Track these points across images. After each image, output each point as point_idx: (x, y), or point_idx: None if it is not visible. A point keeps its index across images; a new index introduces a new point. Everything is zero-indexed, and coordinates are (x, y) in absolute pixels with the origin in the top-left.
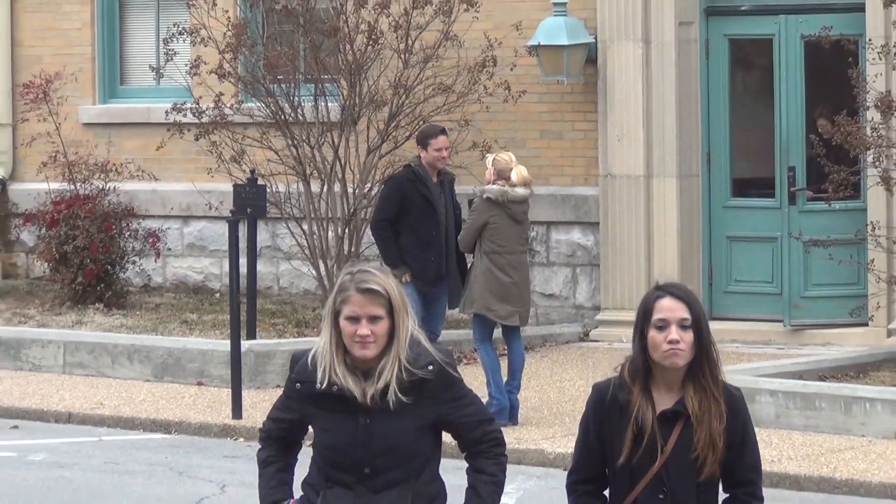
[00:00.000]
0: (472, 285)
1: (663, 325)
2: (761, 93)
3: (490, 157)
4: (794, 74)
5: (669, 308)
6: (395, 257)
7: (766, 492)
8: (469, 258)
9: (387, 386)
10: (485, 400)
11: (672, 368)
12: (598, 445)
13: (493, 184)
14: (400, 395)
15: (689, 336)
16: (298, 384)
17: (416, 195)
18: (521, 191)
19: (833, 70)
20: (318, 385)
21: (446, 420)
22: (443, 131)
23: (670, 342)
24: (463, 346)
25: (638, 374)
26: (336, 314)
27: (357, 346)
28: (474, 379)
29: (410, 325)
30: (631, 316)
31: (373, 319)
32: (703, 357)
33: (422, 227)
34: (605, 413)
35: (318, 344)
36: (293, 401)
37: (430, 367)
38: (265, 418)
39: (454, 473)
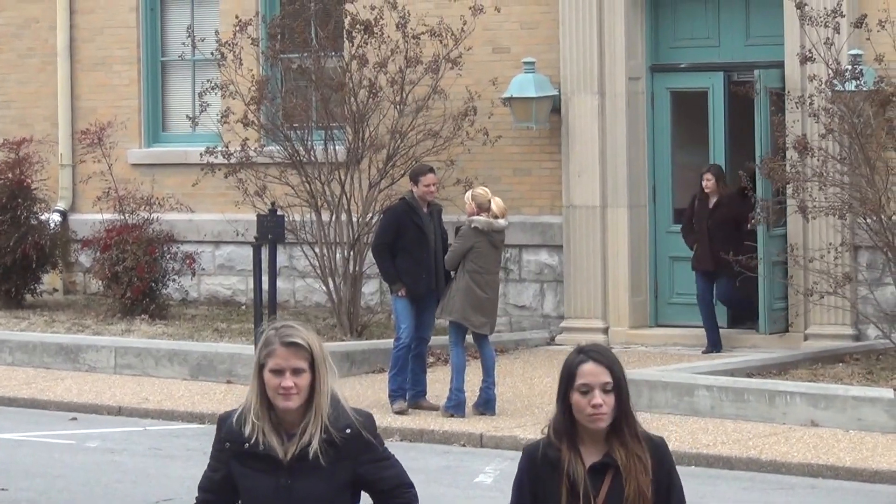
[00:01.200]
0: (453, 297)
1: (587, 390)
2: (697, 136)
3: (469, 193)
4: (720, 121)
5: (592, 373)
6: (393, 275)
7: (703, 471)
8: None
9: (308, 444)
10: (446, 395)
11: (596, 430)
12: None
13: (477, 215)
14: (320, 455)
15: (610, 399)
16: (227, 443)
17: (410, 223)
18: (502, 222)
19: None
20: (246, 444)
21: (364, 480)
22: (431, 170)
23: (594, 406)
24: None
25: (565, 433)
26: (261, 367)
27: (280, 398)
28: (446, 376)
29: (331, 381)
30: (589, 323)
31: (296, 372)
32: (623, 418)
33: (415, 250)
34: (536, 471)
35: (245, 401)
36: (221, 462)
37: (348, 431)
38: (196, 494)
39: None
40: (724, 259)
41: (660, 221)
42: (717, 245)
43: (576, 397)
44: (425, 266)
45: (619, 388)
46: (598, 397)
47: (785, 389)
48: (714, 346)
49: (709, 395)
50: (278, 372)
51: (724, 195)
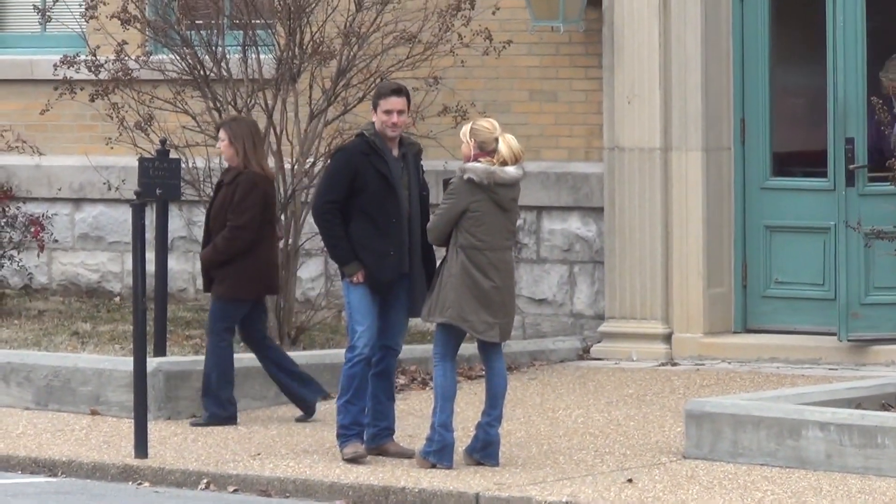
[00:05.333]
0: (442, 287)
1: None
2: (811, 46)
3: (467, 127)
4: (852, 22)
5: None
6: (345, 251)
7: None
8: (439, 253)
9: None
10: (425, 434)
11: None
12: None
13: (476, 160)
14: None
15: None
16: None
17: (371, 171)
18: (512, 171)
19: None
20: None
21: None
22: (397, 91)
23: None
24: (429, 364)
25: None
26: None
27: None
28: (425, 405)
29: None
30: (643, 327)
31: None
32: None
33: (378, 213)
34: None
35: None
36: None
37: None
38: None
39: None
40: None
41: (752, 172)
42: None
43: None
44: (394, 237)
45: None
46: None
47: None
48: None
49: (823, 436)
50: None
51: None
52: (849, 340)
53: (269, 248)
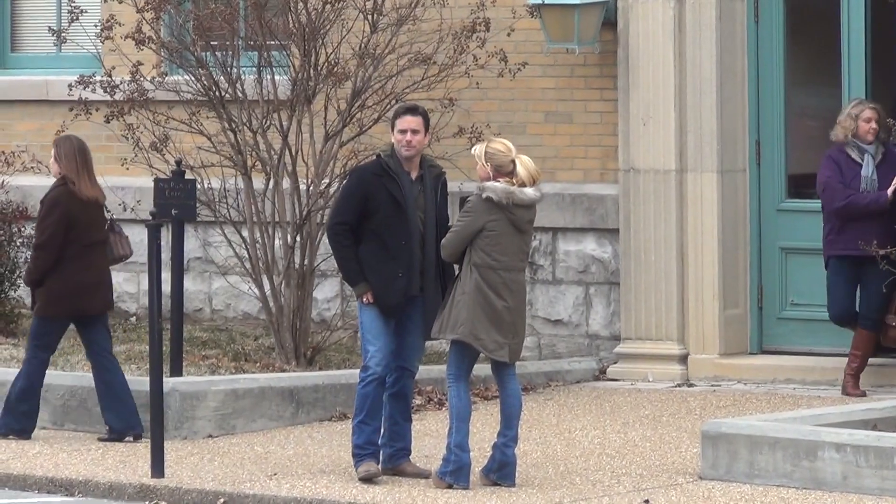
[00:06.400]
0: (455, 305)
1: None
2: (826, 68)
3: (480, 147)
4: (858, 43)
5: None
6: (354, 272)
7: None
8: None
9: None
10: (441, 455)
11: None
12: None
13: (493, 180)
14: None
15: None
16: None
17: (383, 193)
18: (530, 192)
19: None
20: None
21: None
22: (412, 109)
23: None
24: (445, 384)
25: None
26: None
27: None
28: (441, 426)
29: None
30: (659, 348)
31: None
32: None
33: (389, 235)
34: None
35: None
36: None
37: None
38: None
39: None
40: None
41: (767, 194)
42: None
43: None
44: (404, 259)
45: None
46: None
47: None
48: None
49: (840, 458)
50: None
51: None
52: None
53: (79, 268)
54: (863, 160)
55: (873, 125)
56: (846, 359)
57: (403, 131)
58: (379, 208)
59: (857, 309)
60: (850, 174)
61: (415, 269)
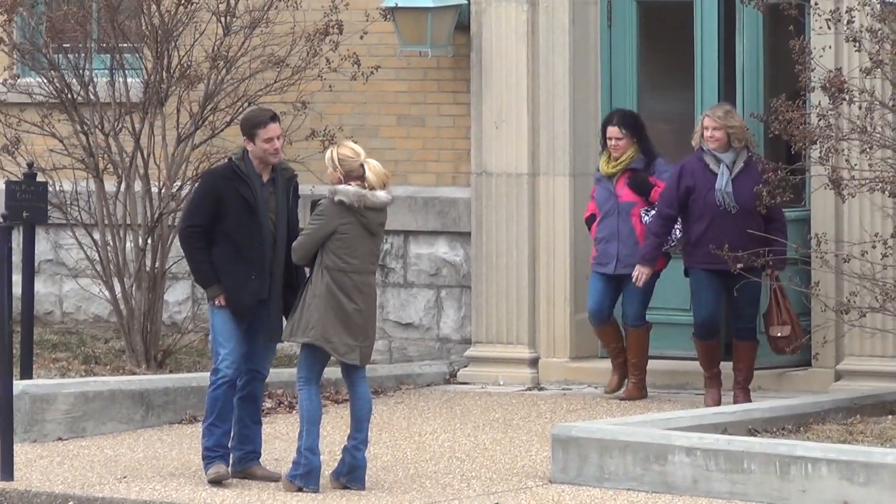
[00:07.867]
0: (306, 308)
1: None
2: (679, 73)
3: (331, 152)
4: (711, 47)
5: None
6: (206, 274)
7: None
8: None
9: None
10: (291, 458)
11: None
12: None
13: (344, 184)
14: None
15: None
16: None
17: (235, 195)
18: (382, 195)
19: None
20: None
21: None
22: (274, 117)
23: None
24: (296, 387)
25: None
26: None
27: None
28: (291, 429)
29: None
30: (509, 351)
31: None
32: None
33: (241, 237)
34: None
35: None
36: None
37: None
38: None
39: None
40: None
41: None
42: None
43: None
44: (256, 262)
45: None
46: None
47: (805, 455)
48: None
49: (690, 461)
50: None
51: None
52: None
53: None
54: (718, 170)
55: (712, 133)
56: (696, 362)
57: (270, 140)
58: (231, 211)
59: (730, 320)
60: (706, 185)
61: (266, 273)
